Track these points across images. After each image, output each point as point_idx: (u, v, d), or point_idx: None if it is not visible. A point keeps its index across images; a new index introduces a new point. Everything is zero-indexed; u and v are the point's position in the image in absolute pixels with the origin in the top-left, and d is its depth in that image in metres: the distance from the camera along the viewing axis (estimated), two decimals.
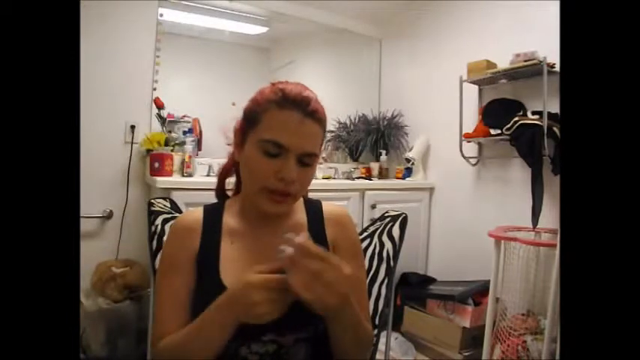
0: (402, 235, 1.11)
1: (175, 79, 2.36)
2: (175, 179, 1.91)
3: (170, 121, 2.27)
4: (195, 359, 0.69)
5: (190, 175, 2.06)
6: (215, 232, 0.81)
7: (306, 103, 0.74)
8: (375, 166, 2.83)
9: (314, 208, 0.88)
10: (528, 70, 1.97)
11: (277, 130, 0.73)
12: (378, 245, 1.11)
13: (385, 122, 2.91)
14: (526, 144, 1.92)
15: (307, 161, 0.76)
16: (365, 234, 1.14)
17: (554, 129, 1.87)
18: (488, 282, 1.86)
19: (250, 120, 0.77)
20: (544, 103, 1.88)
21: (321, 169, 2.49)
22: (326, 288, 0.62)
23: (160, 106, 2.16)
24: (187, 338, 0.70)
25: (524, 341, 1.71)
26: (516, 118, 1.99)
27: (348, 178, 2.65)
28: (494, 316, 1.81)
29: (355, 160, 2.96)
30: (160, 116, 2.18)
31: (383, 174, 2.85)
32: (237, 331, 0.67)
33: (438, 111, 2.63)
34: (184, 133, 2.26)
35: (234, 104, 2.45)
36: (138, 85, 2.21)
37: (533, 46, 1.97)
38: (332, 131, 2.93)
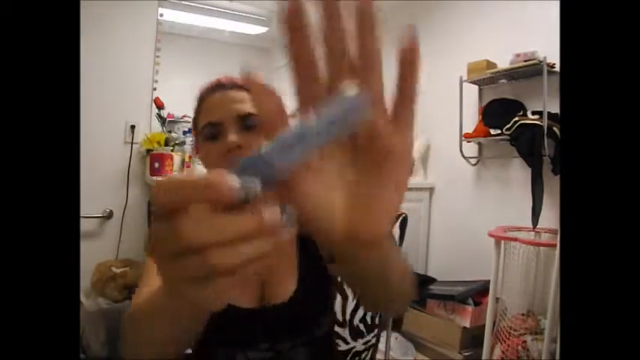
0: (402, 235, 1.11)
1: (175, 79, 2.36)
2: None
3: (170, 121, 2.28)
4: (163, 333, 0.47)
5: None
6: None
7: (228, 80, 0.77)
8: None
9: None
10: (528, 70, 1.97)
11: (208, 112, 0.75)
12: None
13: None
14: (526, 144, 1.92)
15: (251, 123, 0.72)
16: None
17: (554, 129, 1.87)
18: (488, 282, 1.85)
19: (195, 124, 0.79)
20: (544, 103, 1.88)
21: None
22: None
23: (159, 106, 2.16)
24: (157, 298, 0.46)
25: (524, 341, 1.70)
26: (516, 118, 1.99)
27: None
28: (494, 316, 1.81)
29: None
30: (159, 116, 2.18)
31: None
32: (232, 338, 0.65)
33: (438, 111, 2.63)
34: (184, 133, 2.26)
35: None
36: (138, 85, 2.21)
37: (533, 46, 1.97)
38: None
